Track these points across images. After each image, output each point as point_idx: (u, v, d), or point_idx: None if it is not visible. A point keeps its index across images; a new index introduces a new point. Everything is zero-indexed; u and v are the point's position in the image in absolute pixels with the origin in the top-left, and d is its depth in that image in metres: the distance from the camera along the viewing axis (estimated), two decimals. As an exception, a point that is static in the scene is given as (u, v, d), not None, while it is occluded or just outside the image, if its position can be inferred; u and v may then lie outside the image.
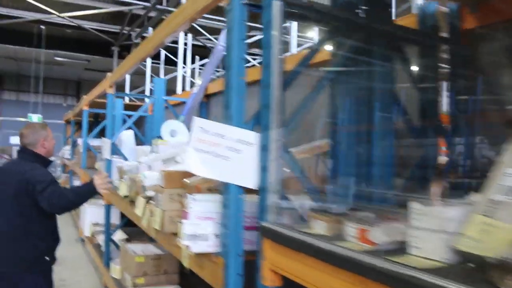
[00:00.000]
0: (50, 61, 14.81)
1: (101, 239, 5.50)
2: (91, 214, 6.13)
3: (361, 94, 1.86)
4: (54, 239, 3.01)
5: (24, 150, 2.93)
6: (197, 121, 1.59)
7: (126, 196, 3.31)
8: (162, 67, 12.31)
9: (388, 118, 1.87)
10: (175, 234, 2.00)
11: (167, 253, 3.73)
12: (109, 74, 4.47)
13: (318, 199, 1.64)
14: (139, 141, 6.84)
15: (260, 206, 1.54)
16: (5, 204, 2.80)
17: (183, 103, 4.99)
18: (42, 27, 12.47)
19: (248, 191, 1.63)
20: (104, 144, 4.51)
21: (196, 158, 1.56)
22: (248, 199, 1.64)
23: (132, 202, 3.07)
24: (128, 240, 5.19)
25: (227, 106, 1.60)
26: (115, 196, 3.94)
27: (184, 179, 1.95)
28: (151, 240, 4.41)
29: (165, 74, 13.23)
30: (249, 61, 9.60)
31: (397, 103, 1.94)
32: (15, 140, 11.91)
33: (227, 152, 1.55)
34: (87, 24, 12.22)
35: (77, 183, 9.01)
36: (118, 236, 4.97)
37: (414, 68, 2.00)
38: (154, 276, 3.69)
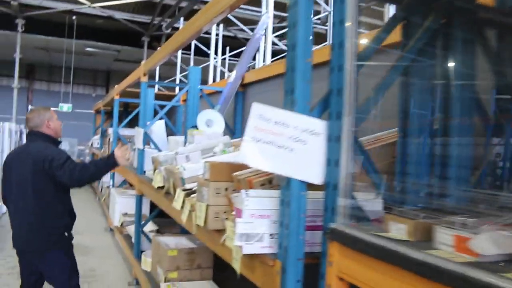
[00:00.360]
0: (80, 52, 14.91)
1: (130, 229, 5.42)
2: (121, 204, 6.07)
3: (434, 81, 1.65)
4: (71, 215, 3.07)
5: (32, 133, 3.00)
6: (256, 108, 1.41)
7: (160, 188, 3.18)
8: (192, 57, 12.26)
9: (464, 109, 1.66)
10: (219, 232, 1.84)
11: (201, 247, 3.60)
12: (143, 61, 4.35)
13: (390, 197, 1.45)
14: (170, 131, 6.76)
15: (326, 205, 1.36)
16: (24, 186, 2.85)
17: (218, 92, 4.83)
18: (74, 17, 12.51)
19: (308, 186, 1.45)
20: (137, 133, 4.40)
21: (254, 149, 1.38)
22: (309, 196, 1.46)
23: (168, 194, 2.93)
24: (158, 232, 5.11)
25: (291, 91, 1.42)
26: (148, 187, 3.83)
27: (234, 173, 1.78)
28: (183, 231, 4.30)
29: (195, 65, 13.16)
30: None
31: (474, 93, 1.72)
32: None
33: (290, 143, 1.38)
34: (117, 14, 12.21)
35: (106, 172, 8.98)
36: (149, 227, 4.88)
37: (493, 55, 1.77)
38: (187, 271, 3.56)
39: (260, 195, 1.52)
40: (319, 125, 1.39)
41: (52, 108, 3.31)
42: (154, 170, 3.46)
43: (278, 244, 1.45)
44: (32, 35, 13.10)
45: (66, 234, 2.96)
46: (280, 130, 1.38)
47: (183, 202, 2.28)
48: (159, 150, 4.39)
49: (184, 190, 2.35)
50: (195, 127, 4.13)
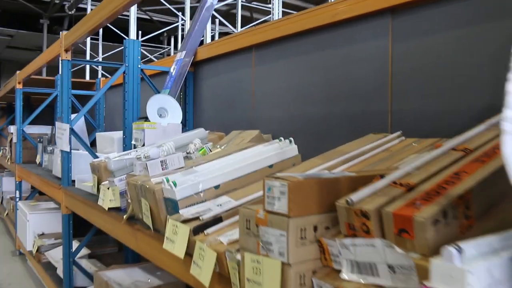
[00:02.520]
0: (-38, 38, 12.54)
1: (52, 256, 4.21)
2: (34, 222, 4.76)
3: None
4: None
5: None
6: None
7: (113, 208, 2.14)
8: (100, 43, 11.00)
9: None
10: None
11: (168, 282, 2.63)
12: (64, 32, 3.18)
13: None
14: (89, 127, 5.55)
15: None
16: None
17: (163, 73, 3.80)
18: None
19: None
20: (59, 130, 3.24)
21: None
22: None
23: (132, 221, 1.93)
24: (92, 257, 3.98)
25: None
26: (86, 206, 2.74)
27: (347, 197, 0.88)
28: (128, 258, 3.25)
29: (104, 53, 11.88)
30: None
31: None
32: None
33: None
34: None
35: (7, 180, 7.42)
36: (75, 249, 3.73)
37: None
38: (153, 318, 2.57)
39: (482, 250, 0.66)
40: None
41: None
42: (98, 182, 2.40)
43: None
44: None
45: None
46: None
47: (189, 245, 1.32)
48: (93, 154, 3.27)
49: (184, 221, 1.38)
50: (144, 118, 3.09)
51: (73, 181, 3.21)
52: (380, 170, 1.17)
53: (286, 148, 1.79)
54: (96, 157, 3.14)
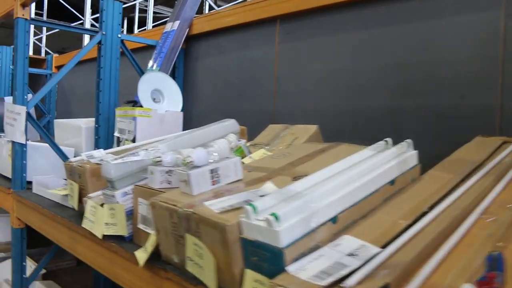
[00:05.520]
0: None
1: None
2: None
3: None
4: None
5: None
6: None
7: (117, 238, 1.41)
8: (45, 19, 9.91)
9: None
10: None
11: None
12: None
13: None
14: (38, 113, 4.64)
15: None
16: None
17: (149, 48, 3.03)
18: None
19: None
20: (10, 114, 2.40)
21: None
22: None
23: (155, 263, 1.22)
24: (48, 277, 3.15)
25: None
26: (56, 225, 1.95)
27: None
28: (79, 263, 2.48)
29: (48, 30, 10.83)
30: None
31: None
32: None
33: None
34: None
35: None
36: (29, 270, 2.90)
37: None
38: None
39: None
40: None
41: None
42: (81, 194, 1.64)
43: None
44: None
45: None
46: None
47: None
48: (57, 149, 2.45)
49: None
50: (132, 103, 2.33)
51: (29, 182, 2.39)
52: None
53: (406, 155, 1.16)
54: (64, 154, 2.35)
